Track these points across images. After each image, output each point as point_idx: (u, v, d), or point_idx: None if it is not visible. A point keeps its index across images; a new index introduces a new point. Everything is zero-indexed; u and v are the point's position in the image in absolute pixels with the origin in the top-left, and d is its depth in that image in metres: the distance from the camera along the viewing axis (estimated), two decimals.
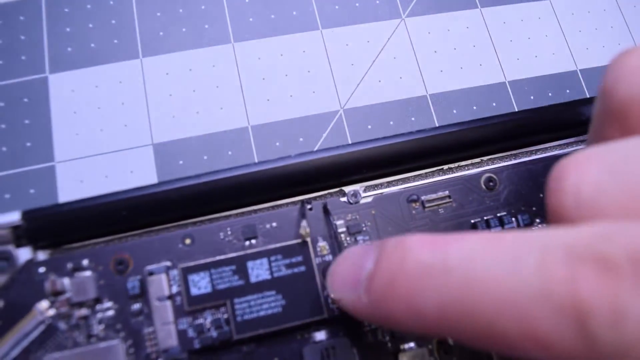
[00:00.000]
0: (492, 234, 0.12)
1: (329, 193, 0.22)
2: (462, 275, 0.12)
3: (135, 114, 0.24)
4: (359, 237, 0.21)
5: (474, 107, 0.30)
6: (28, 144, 0.23)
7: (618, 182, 0.12)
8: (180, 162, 0.23)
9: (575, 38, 0.34)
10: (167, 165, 0.23)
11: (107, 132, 0.24)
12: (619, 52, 0.14)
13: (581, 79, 0.33)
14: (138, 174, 0.23)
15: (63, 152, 0.23)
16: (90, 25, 0.25)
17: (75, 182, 0.23)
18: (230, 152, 0.24)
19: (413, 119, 0.28)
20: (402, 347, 0.20)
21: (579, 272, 0.10)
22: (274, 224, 0.21)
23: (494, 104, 0.31)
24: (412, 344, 0.20)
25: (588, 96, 0.35)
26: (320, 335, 0.20)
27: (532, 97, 0.32)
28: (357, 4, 0.28)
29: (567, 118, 0.24)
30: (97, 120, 0.24)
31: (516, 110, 0.32)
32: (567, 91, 0.33)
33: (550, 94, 0.32)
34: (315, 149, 0.24)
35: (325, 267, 0.20)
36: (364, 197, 0.22)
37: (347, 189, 0.22)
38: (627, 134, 0.13)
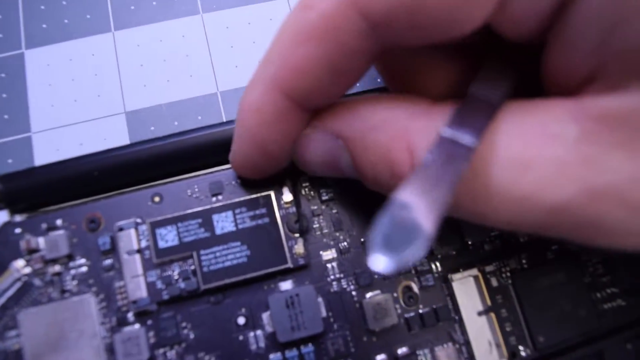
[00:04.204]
0: None
1: None
2: None
3: (108, 84, 0.25)
4: (321, 189, 0.22)
5: None
6: (5, 117, 0.24)
7: None
8: (152, 128, 0.24)
9: None
10: (139, 131, 0.24)
11: (81, 102, 0.24)
12: None
13: None
14: (111, 141, 0.24)
15: (39, 123, 0.24)
16: (64, 3, 0.26)
17: (51, 151, 0.24)
18: (200, 117, 0.24)
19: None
20: (367, 295, 0.21)
21: None
22: (241, 181, 0.21)
23: None
24: (377, 291, 0.21)
25: None
26: (286, 285, 0.21)
27: None
28: None
29: None
30: (72, 91, 0.25)
31: None
32: None
33: None
34: None
35: (289, 219, 0.21)
36: None
37: None
38: None
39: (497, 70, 0.16)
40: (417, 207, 0.12)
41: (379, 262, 0.11)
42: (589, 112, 0.13)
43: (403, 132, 0.15)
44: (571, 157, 0.12)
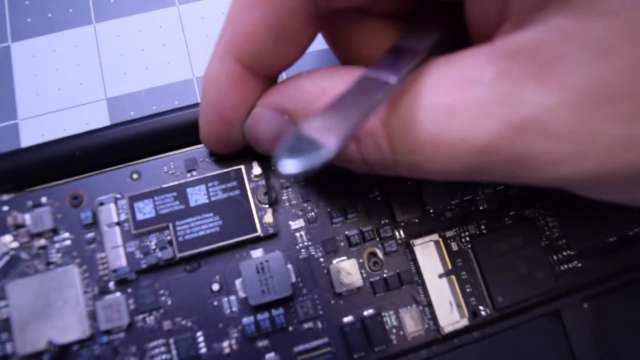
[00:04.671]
0: None
1: None
2: None
3: (90, 73, 0.26)
4: None
5: None
6: None
7: None
8: (132, 113, 0.26)
9: None
10: (119, 116, 0.26)
11: (65, 90, 0.26)
12: None
13: None
14: (93, 126, 0.25)
15: (25, 110, 0.25)
16: None
17: (37, 137, 0.25)
18: (177, 102, 0.26)
19: None
20: (333, 261, 0.22)
21: None
22: (214, 158, 0.23)
23: None
24: (343, 257, 0.22)
25: None
26: (257, 253, 0.22)
27: None
28: None
29: None
30: (56, 80, 0.26)
31: None
32: None
33: None
34: None
35: (259, 191, 0.22)
36: None
37: None
38: None
39: (423, 27, 0.17)
40: (323, 127, 0.13)
41: (287, 165, 0.12)
42: (501, 52, 0.13)
43: None
44: (490, 97, 0.13)
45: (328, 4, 0.16)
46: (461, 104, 0.14)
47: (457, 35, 0.17)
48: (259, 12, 0.16)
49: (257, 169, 0.22)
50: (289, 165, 0.12)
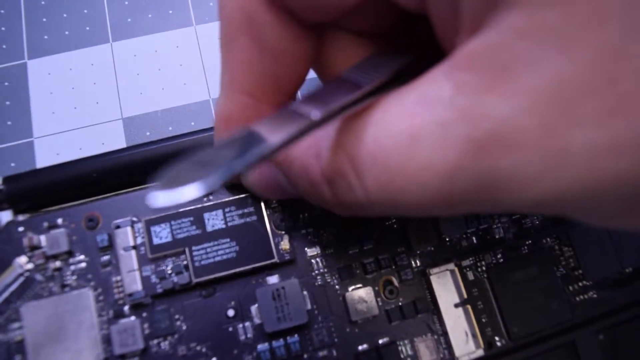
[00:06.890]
0: None
1: None
2: None
3: (106, 92, 0.26)
4: None
5: None
6: (9, 123, 0.25)
7: None
8: (148, 133, 0.26)
9: None
10: (135, 136, 0.25)
11: (81, 109, 0.26)
12: None
13: None
14: (109, 145, 0.25)
15: (41, 128, 0.25)
16: (65, 15, 0.27)
17: (52, 155, 0.25)
18: (193, 123, 0.26)
19: None
20: (349, 288, 0.22)
21: None
22: (231, 183, 0.23)
23: None
24: (359, 285, 0.22)
25: None
26: (273, 279, 0.22)
27: None
28: None
29: None
30: (71, 99, 0.26)
31: None
32: None
33: None
34: None
35: (275, 218, 0.22)
36: None
37: None
38: None
39: (378, 56, 0.16)
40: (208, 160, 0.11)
41: (156, 198, 0.11)
42: (457, 64, 0.12)
43: (314, 139, 0.15)
44: (450, 116, 0.12)
45: (306, 14, 0.15)
46: (423, 127, 0.12)
47: (431, 56, 0.15)
48: (243, 38, 0.15)
49: None
50: (158, 199, 0.11)
